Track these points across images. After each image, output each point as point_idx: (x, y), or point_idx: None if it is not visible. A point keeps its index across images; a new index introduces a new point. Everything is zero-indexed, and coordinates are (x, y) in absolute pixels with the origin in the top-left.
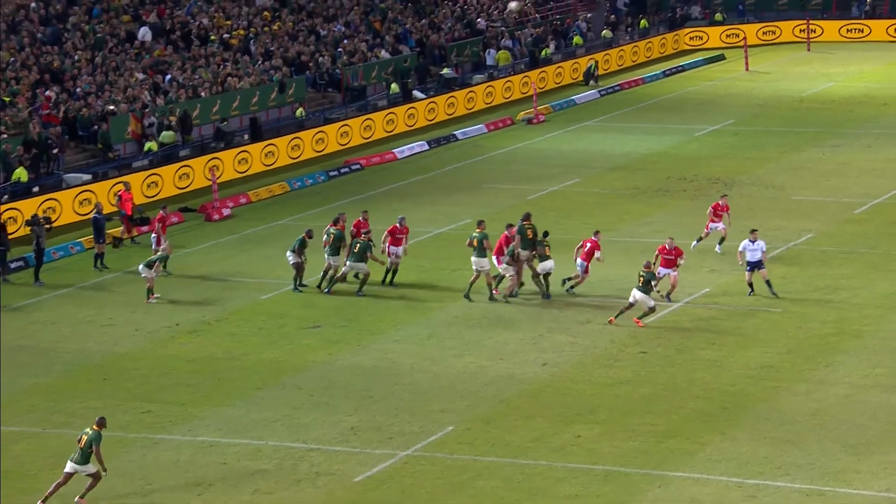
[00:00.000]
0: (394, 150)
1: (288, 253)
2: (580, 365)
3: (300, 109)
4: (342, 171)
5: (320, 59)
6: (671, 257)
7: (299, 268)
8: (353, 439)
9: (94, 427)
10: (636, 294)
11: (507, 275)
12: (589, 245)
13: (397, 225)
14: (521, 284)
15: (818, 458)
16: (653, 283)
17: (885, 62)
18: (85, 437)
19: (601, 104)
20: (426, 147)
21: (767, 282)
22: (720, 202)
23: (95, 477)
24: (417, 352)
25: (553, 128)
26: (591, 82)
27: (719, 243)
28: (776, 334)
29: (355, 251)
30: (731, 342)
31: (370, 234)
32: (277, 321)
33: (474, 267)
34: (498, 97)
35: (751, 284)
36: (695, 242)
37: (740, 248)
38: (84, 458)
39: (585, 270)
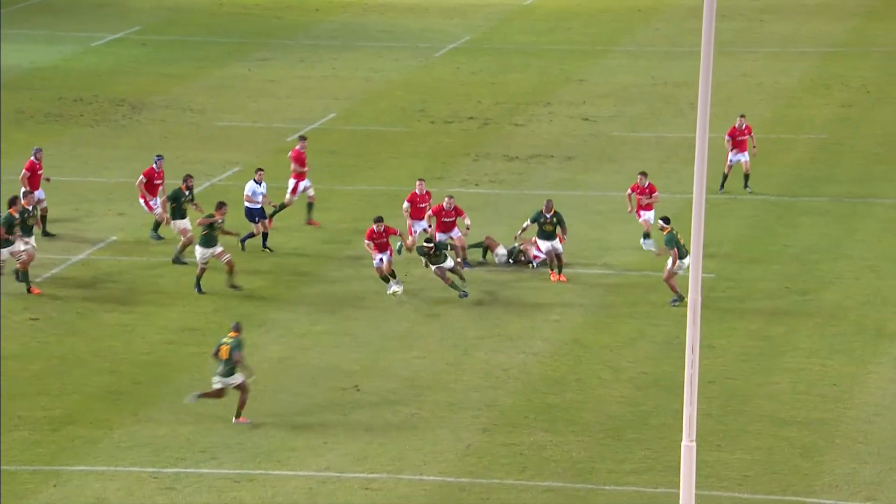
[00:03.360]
0: None
1: None
2: None
3: None
4: None
5: None
6: None
7: None
8: None
9: (232, 334)
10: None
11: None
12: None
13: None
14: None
15: (249, 437)
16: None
17: None
18: (226, 347)
19: None
20: None
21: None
22: (640, 182)
23: (244, 389)
24: None
25: None
26: None
27: (645, 237)
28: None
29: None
30: (147, 301)
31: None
32: None
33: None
34: None
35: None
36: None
37: (248, 192)
38: (229, 370)
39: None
